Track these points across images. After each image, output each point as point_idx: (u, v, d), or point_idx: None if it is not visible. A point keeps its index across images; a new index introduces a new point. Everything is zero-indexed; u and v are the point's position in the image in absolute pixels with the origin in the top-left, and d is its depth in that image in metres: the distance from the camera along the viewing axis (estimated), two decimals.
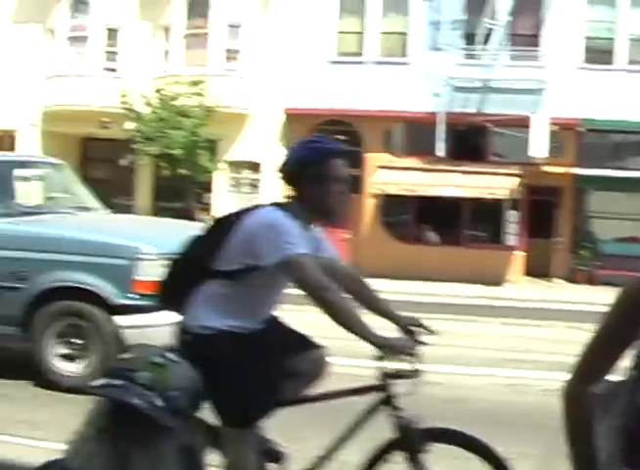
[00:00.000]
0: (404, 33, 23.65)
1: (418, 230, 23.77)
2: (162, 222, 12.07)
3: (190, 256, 3.80)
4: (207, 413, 3.72)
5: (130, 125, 22.82)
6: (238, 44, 23.92)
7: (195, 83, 22.32)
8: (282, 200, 3.76)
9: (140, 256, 7.36)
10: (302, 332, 3.98)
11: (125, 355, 2.07)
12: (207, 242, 3.72)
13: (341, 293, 3.58)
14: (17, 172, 9.28)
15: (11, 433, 6.20)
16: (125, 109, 22.81)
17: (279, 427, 3.92)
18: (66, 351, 7.49)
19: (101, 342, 7.31)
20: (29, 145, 22.88)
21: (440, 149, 22.75)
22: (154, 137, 22.38)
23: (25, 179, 9.42)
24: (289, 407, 3.84)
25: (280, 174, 3.72)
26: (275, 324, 3.89)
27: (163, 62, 24.46)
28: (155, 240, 7.67)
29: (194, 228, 10.18)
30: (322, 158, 3.63)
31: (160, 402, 1.97)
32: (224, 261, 3.62)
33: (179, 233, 8.36)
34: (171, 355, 2.09)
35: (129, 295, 7.33)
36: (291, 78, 23.28)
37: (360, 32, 23.82)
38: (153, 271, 7.01)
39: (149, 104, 22.77)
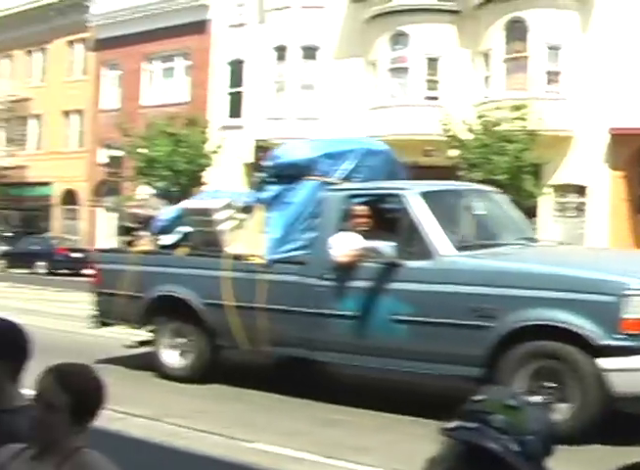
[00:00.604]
0: None
1: None
2: (631, 254, 11.49)
3: None
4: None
5: (454, 152, 22.99)
6: (558, 66, 23.59)
7: (517, 108, 22.04)
8: None
9: (628, 291, 6.82)
10: None
11: (478, 397, 2.26)
12: None
13: None
14: (463, 203, 9.19)
15: (334, 456, 6.39)
16: (448, 136, 23.02)
17: None
18: (539, 396, 6.87)
19: (580, 386, 6.87)
20: None
21: None
22: (477, 163, 22.29)
23: (472, 210, 9.22)
24: None
25: None
26: None
27: (484, 88, 24.62)
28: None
29: None
30: None
31: (515, 447, 2.07)
32: None
33: None
34: (525, 398, 2.27)
35: (615, 335, 6.79)
36: (614, 97, 22.57)
37: None
38: None
39: (471, 130, 22.79)
